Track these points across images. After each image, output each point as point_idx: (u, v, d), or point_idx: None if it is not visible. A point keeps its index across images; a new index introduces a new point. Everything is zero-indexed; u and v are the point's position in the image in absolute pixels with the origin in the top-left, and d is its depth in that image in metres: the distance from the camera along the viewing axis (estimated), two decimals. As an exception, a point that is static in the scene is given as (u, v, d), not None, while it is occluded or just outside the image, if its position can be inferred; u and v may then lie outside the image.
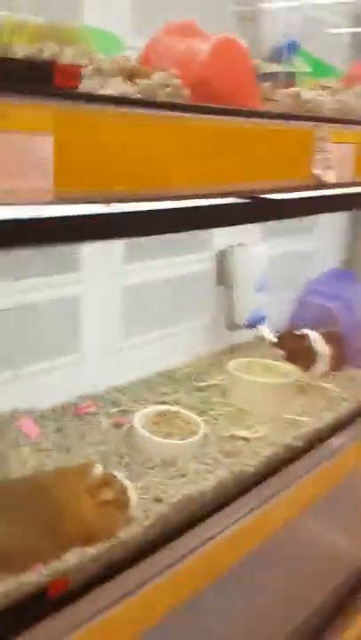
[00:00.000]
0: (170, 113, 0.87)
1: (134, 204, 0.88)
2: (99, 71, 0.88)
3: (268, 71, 1.35)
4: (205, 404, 1.64)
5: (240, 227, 1.86)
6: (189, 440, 1.35)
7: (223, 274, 1.84)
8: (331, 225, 2.30)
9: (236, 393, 1.65)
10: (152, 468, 1.30)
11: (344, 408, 1.68)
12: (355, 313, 1.90)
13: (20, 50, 0.82)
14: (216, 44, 1.06)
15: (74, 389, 1.55)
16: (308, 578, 1.64)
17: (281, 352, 1.82)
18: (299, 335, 1.82)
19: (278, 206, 1.16)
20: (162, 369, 1.77)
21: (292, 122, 1.15)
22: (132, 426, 1.40)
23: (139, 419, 1.40)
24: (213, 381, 1.76)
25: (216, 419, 1.56)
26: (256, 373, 1.71)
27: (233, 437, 1.45)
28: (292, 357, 1.80)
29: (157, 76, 0.94)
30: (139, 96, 0.90)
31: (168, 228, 1.00)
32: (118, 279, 1.58)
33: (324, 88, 1.42)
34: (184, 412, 1.47)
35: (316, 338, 1.83)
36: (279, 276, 2.07)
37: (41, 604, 0.95)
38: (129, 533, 1.08)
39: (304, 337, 1.82)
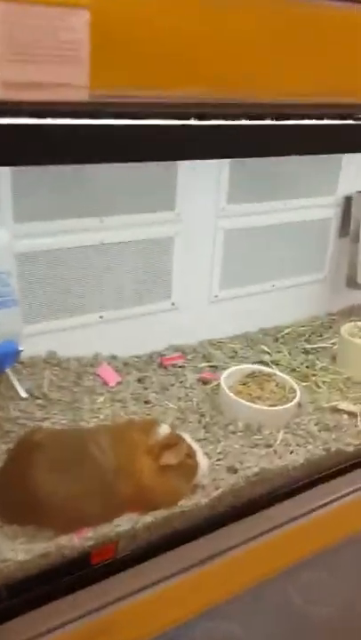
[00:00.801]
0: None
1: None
2: None
3: None
4: (310, 368, 1.45)
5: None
6: (280, 407, 1.19)
7: (347, 224, 1.59)
8: None
9: (346, 360, 1.43)
10: (234, 433, 1.16)
11: None
12: None
13: None
14: None
15: (163, 339, 1.43)
16: None
17: None
18: None
19: None
20: (267, 325, 1.60)
21: None
22: (218, 384, 1.25)
23: (226, 377, 1.26)
24: (324, 344, 1.55)
25: (319, 386, 1.37)
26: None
27: (335, 410, 1.26)
28: None
29: None
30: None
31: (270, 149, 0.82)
32: (220, 221, 1.41)
33: None
34: (281, 374, 1.30)
35: None
36: None
37: (83, 569, 0.86)
38: (192, 503, 0.96)
39: None
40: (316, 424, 1.21)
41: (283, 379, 1.28)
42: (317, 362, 1.46)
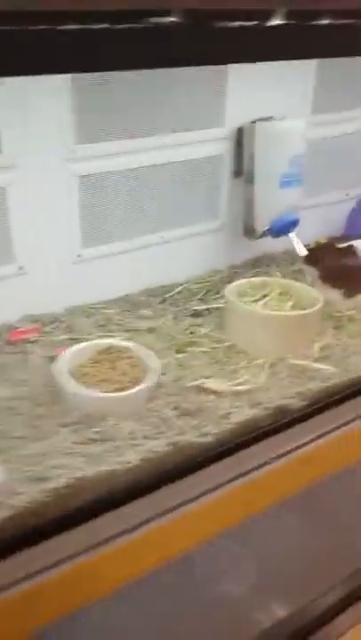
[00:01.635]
0: None
1: None
2: None
3: None
4: (192, 335, 1.24)
5: (270, 88, 1.34)
6: (124, 393, 0.98)
7: (241, 162, 1.35)
8: None
9: (230, 325, 1.22)
10: (65, 427, 0.96)
11: None
12: None
13: None
14: None
15: (15, 309, 1.22)
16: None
17: (314, 271, 1.34)
18: (341, 248, 1.32)
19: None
20: (152, 285, 1.38)
21: None
22: (61, 365, 1.05)
23: (69, 357, 1.05)
24: (217, 304, 1.34)
25: (198, 359, 1.16)
26: (270, 299, 1.26)
27: (202, 389, 1.06)
28: (329, 278, 1.32)
29: None
30: None
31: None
32: (70, 165, 1.17)
33: None
34: (142, 348, 1.09)
35: (366, 252, 1.32)
36: (331, 167, 1.54)
37: None
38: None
39: (348, 250, 1.31)
40: (174, 408, 1.01)
41: (140, 355, 1.07)
42: (201, 328, 1.25)
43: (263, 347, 1.16)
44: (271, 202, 1.32)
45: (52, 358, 1.10)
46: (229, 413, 1.01)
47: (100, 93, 1.14)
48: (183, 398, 1.03)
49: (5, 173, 1.10)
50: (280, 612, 1.29)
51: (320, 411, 1.04)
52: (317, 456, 1.03)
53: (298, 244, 1.36)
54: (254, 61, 0.99)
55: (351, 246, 1.30)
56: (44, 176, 1.14)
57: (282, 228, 1.35)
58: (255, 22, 0.74)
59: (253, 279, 1.30)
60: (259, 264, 1.51)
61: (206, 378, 1.08)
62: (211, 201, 1.39)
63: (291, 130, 1.28)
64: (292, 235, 1.36)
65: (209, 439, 0.96)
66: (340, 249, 1.31)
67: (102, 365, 1.06)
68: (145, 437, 0.95)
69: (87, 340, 1.14)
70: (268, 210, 1.33)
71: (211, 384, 1.05)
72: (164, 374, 1.07)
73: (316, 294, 1.23)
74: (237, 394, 1.05)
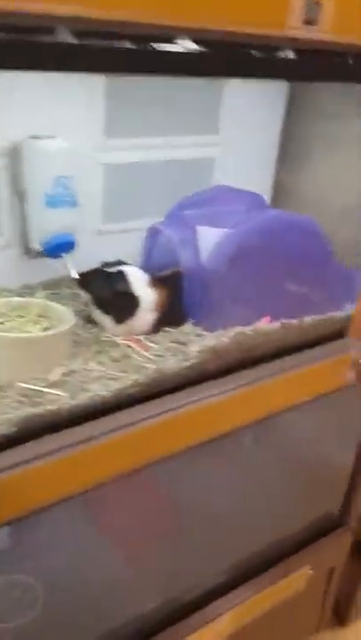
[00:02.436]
0: None
1: None
2: None
3: None
4: None
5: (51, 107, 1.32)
6: None
7: (17, 178, 1.31)
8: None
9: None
10: None
11: (142, 382, 1.14)
12: (222, 250, 1.31)
13: None
14: None
15: None
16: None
17: (87, 294, 1.30)
18: (110, 273, 1.27)
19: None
20: None
21: None
22: None
23: None
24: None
25: None
26: (27, 321, 1.20)
27: None
28: (100, 303, 1.28)
29: None
30: None
31: None
32: None
33: None
34: None
35: (136, 278, 1.28)
36: (129, 194, 1.52)
37: None
38: None
39: (118, 276, 1.27)
40: None
41: None
42: None
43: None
44: (40, 221, 1.28)
45: None
46: None
47: None
48: None
49: None
50: None
51: (26, 439, 0.98)
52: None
53: (70, 266, 1.31)
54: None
55: (120, 271, 1.26)
56: None
57: (54, 249, 1.30)
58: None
59: (15, 299, 1.24)
60: (56, 285, 1.46)
61: None
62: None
63: (57, 150, 1.25)
64: (65, 257, 1.32)
65: None
66: (109, 274, 1.27)
67: None
68: None
69: None
70: (39, 229, 1.29)
71: None
72: None
73: (69, 317, 1.18)
74: None
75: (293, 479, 1.59)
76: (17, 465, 0.95)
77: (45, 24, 0.78)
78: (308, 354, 1.33)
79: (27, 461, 0.95)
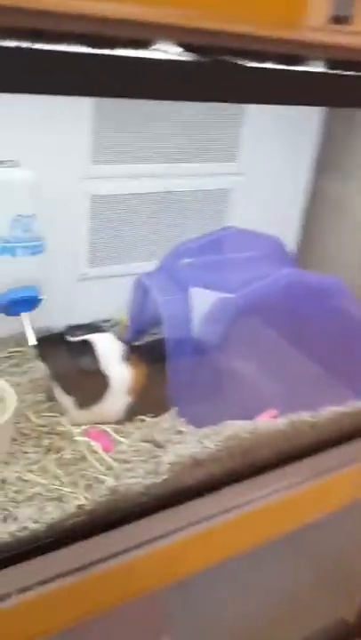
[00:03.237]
0: None
1: None
2: None
3: None
4: None
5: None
6: None
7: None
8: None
9: None
10: None
11: (89, 509, 0.83)
12: (217, 320, 1.00)
13: None
14: None
15: None
16: None
17: (45, 367, 1.01)
18: (74, 342, 0.99)
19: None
20: None
21: None
22: None
23: None
24: None
25: None
26: None
27: None
28: (61, 380, 0.99)
29: None
30: None
31: None
32: None
33: None
34: None
35: (106, 350, 0.99)
36: (117, 232, 1.23)
37: None
38: None
39: (83, 347, 0.98)
40: None
41: None
42: None
43: None
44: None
45: None
46: None
47: None
48: None
49: None
50: None
51: None
52: None
53: (28, 329, 1.04)
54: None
55: (86, 341, 0.98)
56: None
57: (10, 306, 1.03)
58: None
59: None
60: (20, 342, 1.19)
61: None
62: None
63: (13, 182, 0.97)
64: (24, 315, 1.04)
65: None
66: (72, 344, 0.98)
67: None
68: None
69: None
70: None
71: None
72: None
73: (10, 401, 0.91)
74: None
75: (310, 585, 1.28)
76: None
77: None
78: (324, 456, 1.02)
79: None
